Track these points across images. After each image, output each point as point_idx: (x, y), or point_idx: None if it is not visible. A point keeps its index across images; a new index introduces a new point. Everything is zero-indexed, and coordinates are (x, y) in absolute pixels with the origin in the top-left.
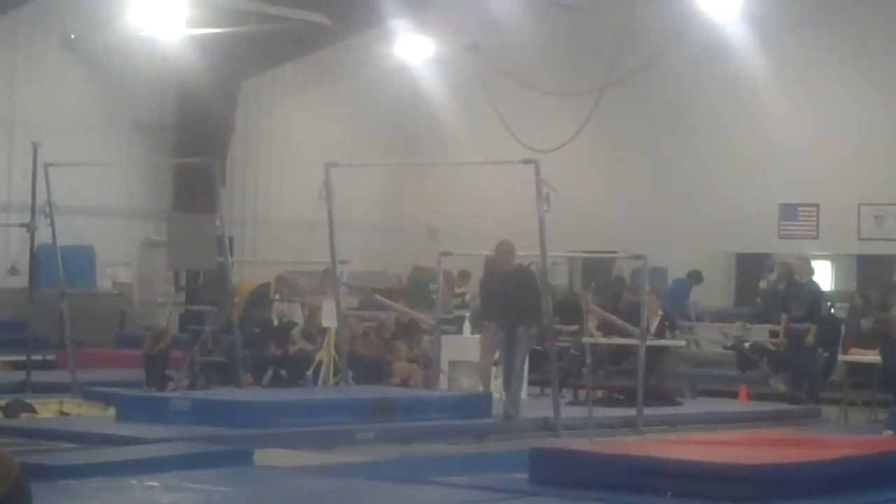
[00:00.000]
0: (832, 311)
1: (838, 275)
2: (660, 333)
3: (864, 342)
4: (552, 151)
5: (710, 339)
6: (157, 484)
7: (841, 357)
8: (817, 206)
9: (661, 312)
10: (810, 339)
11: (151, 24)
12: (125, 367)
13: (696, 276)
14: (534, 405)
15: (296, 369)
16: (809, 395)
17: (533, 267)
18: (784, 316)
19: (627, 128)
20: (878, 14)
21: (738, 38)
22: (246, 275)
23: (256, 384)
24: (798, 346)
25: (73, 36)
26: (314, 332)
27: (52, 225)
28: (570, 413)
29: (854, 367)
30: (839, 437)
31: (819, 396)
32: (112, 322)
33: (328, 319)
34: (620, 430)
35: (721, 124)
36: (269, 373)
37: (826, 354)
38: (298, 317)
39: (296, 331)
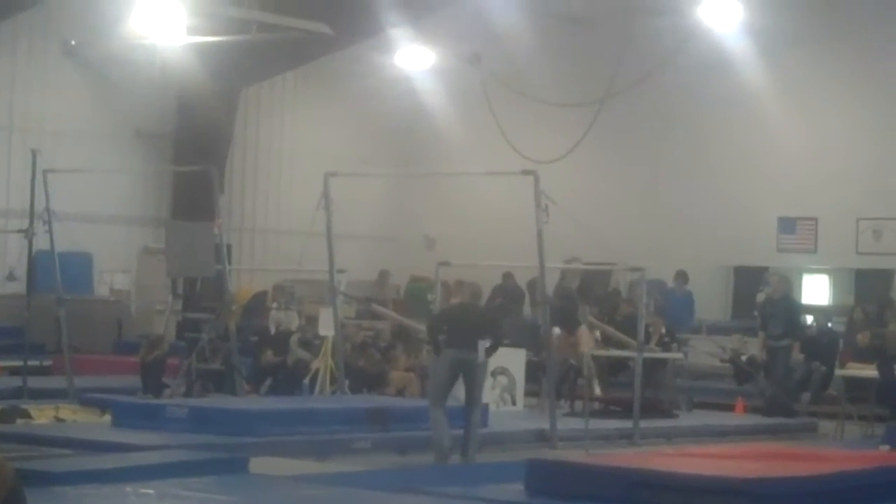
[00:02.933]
0: (829, 325)
1: (836, 289)
2: (661, 347)
3: (862, 357)
4: (552, 163)
5: (708, 352)
6: (152, 491)
7: (838, 371)
8: (816, 219)
9: (662, 330)
10: (796, 354)
11: (152, 32)
12: (122, 374)
13: (682, 277)
14: (530, 416)
15: (293, 378)
16: (784, 409)
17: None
18: (761, 333)
19: (627, 140)
20: (878, 28)
21: (738, 52)
22: (244, 283)
23: (254, 392)
24: (776, 363)
25: (73, 43)
26: (311, 341)
27: (50, 231)
28: (567, 424)
29: (851, 382)
30: (836, 451)
31: (795, 410)
32: (109, 329)
33: (326, 328)
34: (617, 442)
35: (720, 137)
36: (268, 381)
37: (823, 368)
38: (295, 324)
39: (293, 339)
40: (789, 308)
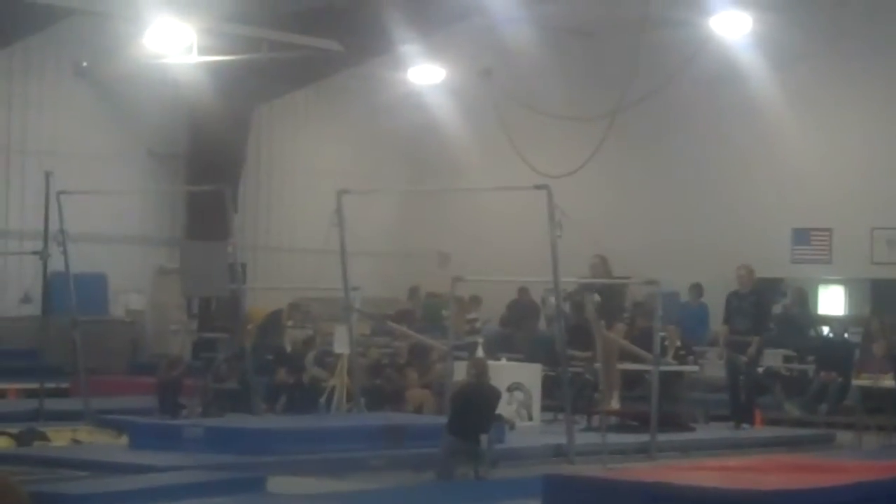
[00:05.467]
0: (846, 335)
1: (851, 299)
2: (677, 360)
3: (878, 367)
4: (564, 177)
5: (724, 365)
6: None
7: (855, 382)
8: (830, 230)
9: (678, 343)
10: (752, 351)
11: (163, 52)
12: (138, 395)
13: (697, 290)
14: (547, 431)
15: (309, 396)
16: (744, 415)
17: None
18: (724, 328)
19: (639, 152)
20: (890, 38)
21: (750, 63)
22: (258, 302)
23: (270, 411)
24: (737, 361)
25: (85, 64)
26: (326, 359)
27: (64, 252)
28: (584, 439)
29: (868, 392)
30: (853, 462)
31: (752, 416)
32: (124, 349)
33: (341, 346)
34: (634, 457)
35: (733, 149)
36: (283, 399)
37: (840, 379)
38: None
39: (309, 357)
40: (758, 303)
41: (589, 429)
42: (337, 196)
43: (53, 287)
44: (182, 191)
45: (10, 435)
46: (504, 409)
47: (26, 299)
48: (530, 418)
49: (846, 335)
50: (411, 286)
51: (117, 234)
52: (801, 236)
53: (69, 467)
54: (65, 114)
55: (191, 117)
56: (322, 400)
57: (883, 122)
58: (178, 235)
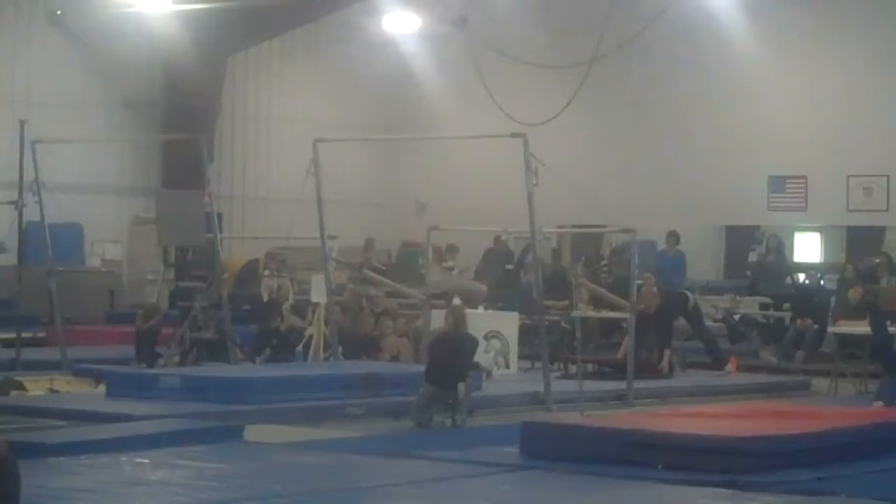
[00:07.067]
0: (821, 282)
1: (827, 246)
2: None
3: (853, 313)
4: (541, 125)
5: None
6: (147, 460)
7: (830, 329)
8: (806, 178)
9: (655, 289)
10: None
11: (138, 1)
12: (115, 344)
13: (674, 238)
14: (524, 379)
15: (287, 345)
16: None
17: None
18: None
19: (617, 101)
20: None
21: (726, 10)
22: (235, 251)
23: (247, 360)
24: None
25: (59, 12)
26: (304, 308)
27: (40, 202)
28: (561, 387)
29: (844, 339)
30: (829, 408)
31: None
32: (101, 299)
33: (318, 295)
34: (611, 404)
35: (710, 97)
36: (267, 350)
37: (815, 326)
38: (290, 294)
39: (286, 306)
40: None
41: (566, 377)
42: (313, 145)
43: (29, 237)
44: (158, 140)
45: None
46: (481, 357)
47: (2, 249)
48: (507, 366)
49: (822, 282)
50: (367, 238)
51: (93, 183)
52: (777, 184)
53: (47, 416)
54: (39, 63)
55: (166, 66)
56: (299, 348)
57: (859, 69)
58: (154, 185)
